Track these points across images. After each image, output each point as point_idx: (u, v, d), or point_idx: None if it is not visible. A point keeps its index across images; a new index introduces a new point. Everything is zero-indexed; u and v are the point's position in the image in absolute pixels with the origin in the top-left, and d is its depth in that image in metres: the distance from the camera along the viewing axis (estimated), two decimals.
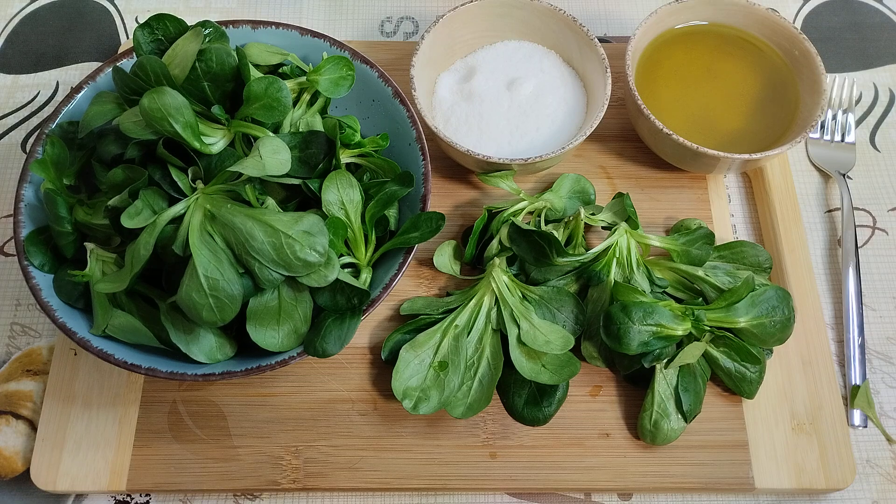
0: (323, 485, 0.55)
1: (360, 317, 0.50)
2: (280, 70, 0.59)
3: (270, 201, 0.51)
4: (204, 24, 0.55)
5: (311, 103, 0.58)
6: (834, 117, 0.72)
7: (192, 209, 0.49)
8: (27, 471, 0.57)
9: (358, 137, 0.58)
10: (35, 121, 0.72)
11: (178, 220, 0.49)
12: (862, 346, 0.61)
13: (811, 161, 0.71)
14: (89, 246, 0.53)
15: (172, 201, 0.50)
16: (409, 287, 0.62)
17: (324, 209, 0.52)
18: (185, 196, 0.50)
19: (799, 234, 0.64)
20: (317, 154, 0.53)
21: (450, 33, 0.67)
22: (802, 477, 0.56)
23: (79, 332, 0.51)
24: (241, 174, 0.50)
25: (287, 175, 0.51)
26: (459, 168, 0.67)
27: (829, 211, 0.69)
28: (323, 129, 0.56)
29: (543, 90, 0.65)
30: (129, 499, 0.57)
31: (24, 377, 0.60)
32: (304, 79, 0.58)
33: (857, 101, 0.75)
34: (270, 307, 0.50)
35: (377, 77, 0.60)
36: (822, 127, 0.72)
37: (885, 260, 0.67)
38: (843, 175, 0.69)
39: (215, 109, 0.53)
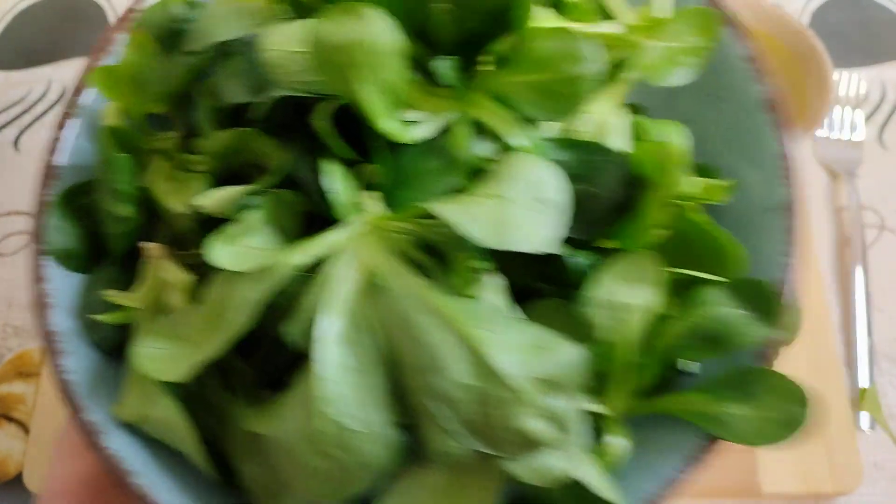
0: None
1: None
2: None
3: (494, 283, 0.26)
4: None
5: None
6: (841, 114, 0.71)
7: (342, 258, 0.25)
8: (20, 475, 0.56)
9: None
10: (27, 118, 0.71)
11: (314, 271, 0.26)
12: (870, 348, 0.61)
13: (818, 159, 0.70)
14: (150, 251, 0.30)
15: (313, 223, 0.27)
16: None
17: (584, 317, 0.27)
18: (338, 219, 0.26)
19: (805, 233, 0.63)
20: (602, 200, 0.27)
21: None
22: (809, 481, 0.55)
23: (92, 403, 0.31)
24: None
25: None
26: None
27: (837, 210, 0.68)
28: (618, 151, 0.29)
29: None
30: None
31: (16, 379, 0.59)
32: (611, 31, 0.31)
33: (865, 99, 0.74)
34: (432, 487, 0.26)
35: (737, 55, 0.30)
36: (830, 124, 0.71)
37: (894, 260, 0.66)
38: (851, 173, 0.68)
39: (443, 65, 0.27)
